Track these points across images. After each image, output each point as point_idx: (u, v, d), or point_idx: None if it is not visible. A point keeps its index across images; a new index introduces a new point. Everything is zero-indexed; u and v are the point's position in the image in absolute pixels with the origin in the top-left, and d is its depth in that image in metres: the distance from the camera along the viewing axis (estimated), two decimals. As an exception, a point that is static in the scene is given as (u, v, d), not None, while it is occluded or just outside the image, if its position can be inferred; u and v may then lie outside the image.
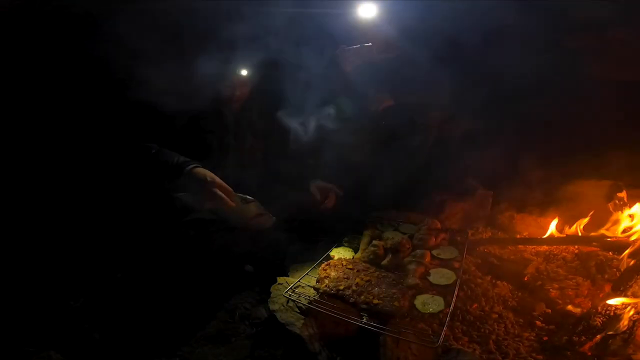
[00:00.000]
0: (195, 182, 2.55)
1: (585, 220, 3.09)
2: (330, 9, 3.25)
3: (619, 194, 3.14)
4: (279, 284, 2.51)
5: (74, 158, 3.01)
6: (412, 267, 2.41)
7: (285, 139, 3.21)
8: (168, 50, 2.75)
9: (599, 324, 2.13)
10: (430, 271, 2.44)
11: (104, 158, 2.88)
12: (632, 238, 2.84)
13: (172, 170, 2.58)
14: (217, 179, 2.57)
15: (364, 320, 2.09)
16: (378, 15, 3.28)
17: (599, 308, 2.20)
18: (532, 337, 2.23)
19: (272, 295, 2.42)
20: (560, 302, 2.48)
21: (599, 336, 2.09)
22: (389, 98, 3.61)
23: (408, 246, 2.61)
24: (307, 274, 2.50)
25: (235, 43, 2.82)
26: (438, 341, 1.92)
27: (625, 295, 2.25)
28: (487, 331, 2.26)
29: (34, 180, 3.05)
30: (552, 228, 3.16)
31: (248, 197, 2.72)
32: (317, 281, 2.35)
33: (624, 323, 2.09)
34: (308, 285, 2.40)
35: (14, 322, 2.55)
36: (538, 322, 2.35)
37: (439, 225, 2.85)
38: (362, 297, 2.17)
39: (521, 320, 2.38)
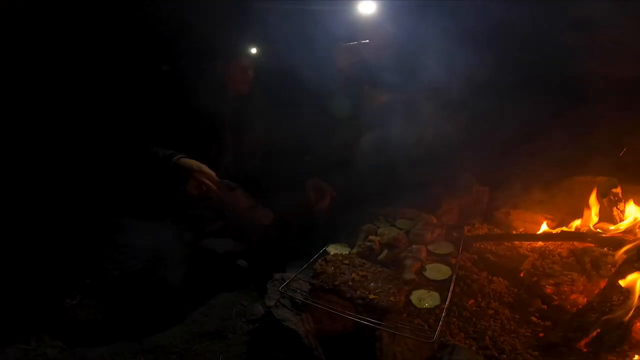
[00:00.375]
0: (182, 171, 2.59)
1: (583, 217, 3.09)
2: (328, 5, 3.24)
3: (614, 190, 3.14)
4: (275, 279, 2.50)
5: (65, 155, 3.01)
6: (408, 262, 2.41)
7: (283, 135, 3.20)
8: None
9: (594, 320, 2.14)
10: (426, 266, 2.44)
11: (92, 156, 2.89)
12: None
13: (160, 162, 2.59)
14: (204, 168, 2.62)
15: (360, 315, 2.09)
16: (376, 12, 3.28)
17: (595, 304, 2.21)
18: (528, 334, 2.24)
19: (268, 291, 2.41)
20: (555, 298, 2.48)
21: (594, 332, 2.09)
22: (384, 95, 3.61)
23: (404, 241, 2.61)
24: (303, 269, 2.49)
25: (233, 38, 2.82)
26: (434, 336, 1.92)
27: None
28: (483, 327, 2.26)
29: (27, 178, 3.04)
30: (544, 227, 3.17)
31: (232, 183, 2.74)
32: (313, 276, 2.34)
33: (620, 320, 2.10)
34: (304, 281, 2.39)
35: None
36: (534, 318, 2.35)
37: (435, 221, 2.85)
38: (358, 292, 2.17)
39: (517, 316, 2.38)
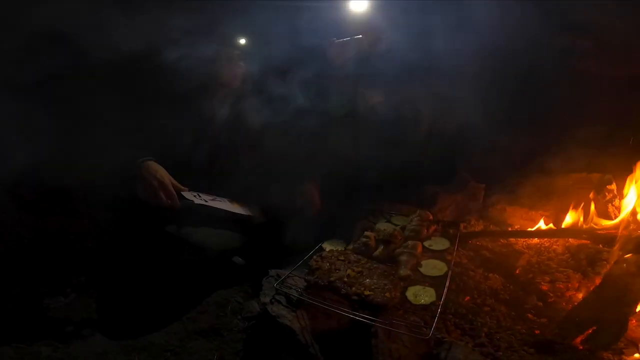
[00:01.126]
0: (144, 174, 2.63)
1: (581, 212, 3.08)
2: (321, 0, 3.22)
3: (609, 187, 3.14)
4: (270, 276, 2.49)
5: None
6: (403, 258, 2.41)
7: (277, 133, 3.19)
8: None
9: (590, 317, 2.14)
10: (421, 262, 2.44)
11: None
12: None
13: (127, 163, 2.63)
14: (166, 178, 2.65)
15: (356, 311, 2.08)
16: (369, 7, 3.26)
17: (590, 301, 2.21)
18: (524, 330, 2.23)
19: (263, 287, 2.41)
20: (551, 295, 2.48)
21: (590, 330, 2.09)
22: (379, 93, 3.59)
23: (400, 237, 2.60)
24: (298, 265, 2.48)
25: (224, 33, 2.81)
26: (430, 333, 1.92)
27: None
28: (480, 324, 2.25)
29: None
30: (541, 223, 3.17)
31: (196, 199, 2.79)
32: (309, 273, 2.34)
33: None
34: (300, 277, 2.39)
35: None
36: (530, 315, 2.34)
37: (430, 217, 2.85)
38: (354, 288, 2.16)
39: (513, 313, 2.38)
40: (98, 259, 2.97)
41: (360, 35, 3.29)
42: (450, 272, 2.35)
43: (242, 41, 3.01)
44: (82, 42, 2.71)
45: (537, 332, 2.22)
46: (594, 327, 2.09)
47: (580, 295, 2.45)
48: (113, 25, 2.77)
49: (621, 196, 3.07)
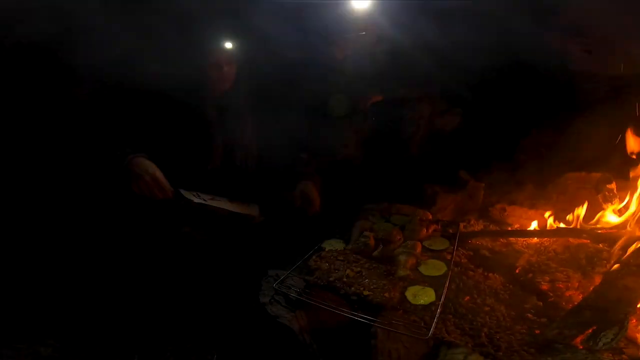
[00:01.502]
0: (135, 170, 2.57)
1: (581, 211, 3.07)
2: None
3: (609, 186, 3.14)
4: (269, 276, 2.48)
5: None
6: (402, 258, 2.40)
7: (275, 132, 3.18)
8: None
9: (589, 316, 2.13)
10: (421, 262, 2.43)
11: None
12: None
13: (114, 160, 2.59)
14: (157, 173, 2.60)
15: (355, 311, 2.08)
16: (370, 5, 3.25)
17: (590, 301, 2.20)
18: (524, 330, 2.22)
19: (262, 287, 2.40)
20: (551, 294, 2.47)
21: (590, 329, 2.08)
22: (379, 92, 3.59)
23: (399, 237, 2.60)
24: (297, 265, 2.48)
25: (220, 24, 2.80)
26: (429, 333, 1.91)
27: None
28: (479, 324, 2.25)
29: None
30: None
31: (198, 196, 2.78)
32: (308, 273, 2.33)
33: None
34: (299, 277, 2.38)
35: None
36: (529, 315, 2.33)
37: (430, 217, 2.84)
38: (353, 288, 2.16)
39: (513, 313, 2.36)
40: (98, 259, 2.96)
41: (363, 32, 3.29)
42: (449, 272, 2.34)
43: (238, 41, 2.98)
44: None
45: (537, 332, 2.21)
46: (594, 327, 2.08)
47: (580, 295, 2.44)
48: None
49: (621, 196, 3.07)
